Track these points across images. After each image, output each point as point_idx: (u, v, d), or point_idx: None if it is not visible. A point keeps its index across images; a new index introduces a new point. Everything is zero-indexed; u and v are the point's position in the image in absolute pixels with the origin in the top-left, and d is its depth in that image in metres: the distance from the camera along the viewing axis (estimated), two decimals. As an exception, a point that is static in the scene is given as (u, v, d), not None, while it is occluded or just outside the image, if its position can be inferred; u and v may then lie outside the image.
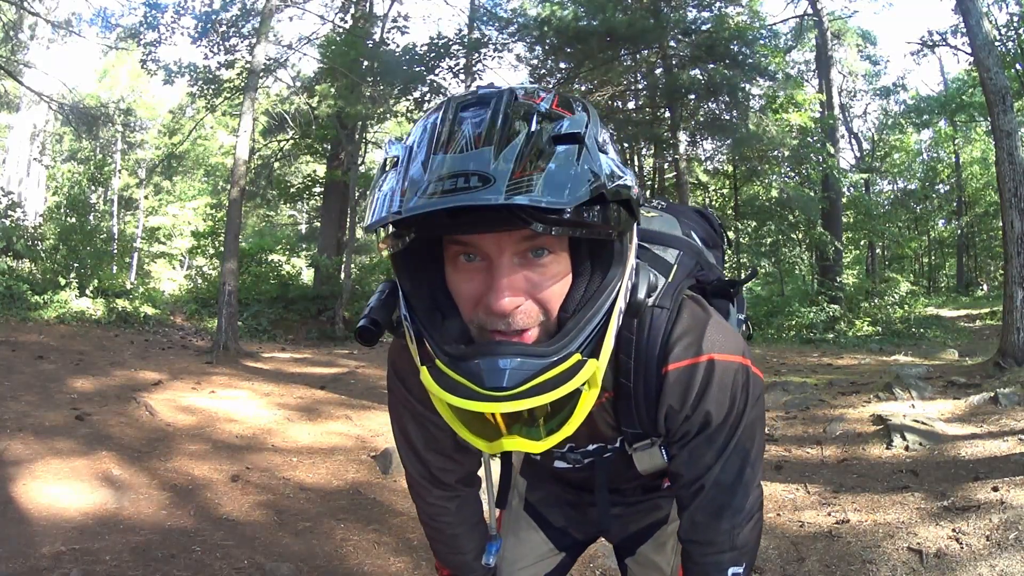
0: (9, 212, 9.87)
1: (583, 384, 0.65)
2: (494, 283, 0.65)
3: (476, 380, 0.62)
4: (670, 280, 0.85)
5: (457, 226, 0.63)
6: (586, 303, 0.68)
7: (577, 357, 0.65)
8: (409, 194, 0.60)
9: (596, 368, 0.65)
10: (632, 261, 0.72)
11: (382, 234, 0.68)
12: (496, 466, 0.99)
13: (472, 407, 0.63)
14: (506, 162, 0.58)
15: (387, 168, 0.66)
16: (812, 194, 12.80)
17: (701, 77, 11.95)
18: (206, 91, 11.82)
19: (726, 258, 1.22)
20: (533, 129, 0.61)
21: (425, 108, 11.76)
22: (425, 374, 0.65)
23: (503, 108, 0.63)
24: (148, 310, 9.46)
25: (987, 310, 13.44)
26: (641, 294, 0.74)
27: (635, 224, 0.71)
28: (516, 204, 0.57)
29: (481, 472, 1.06)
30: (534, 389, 0.62)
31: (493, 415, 0.68)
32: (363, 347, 9.22)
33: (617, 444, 0.94)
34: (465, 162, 0.59)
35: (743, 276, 1.21)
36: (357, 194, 12.15)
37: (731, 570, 0.89)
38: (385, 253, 0.69)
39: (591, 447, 0.95)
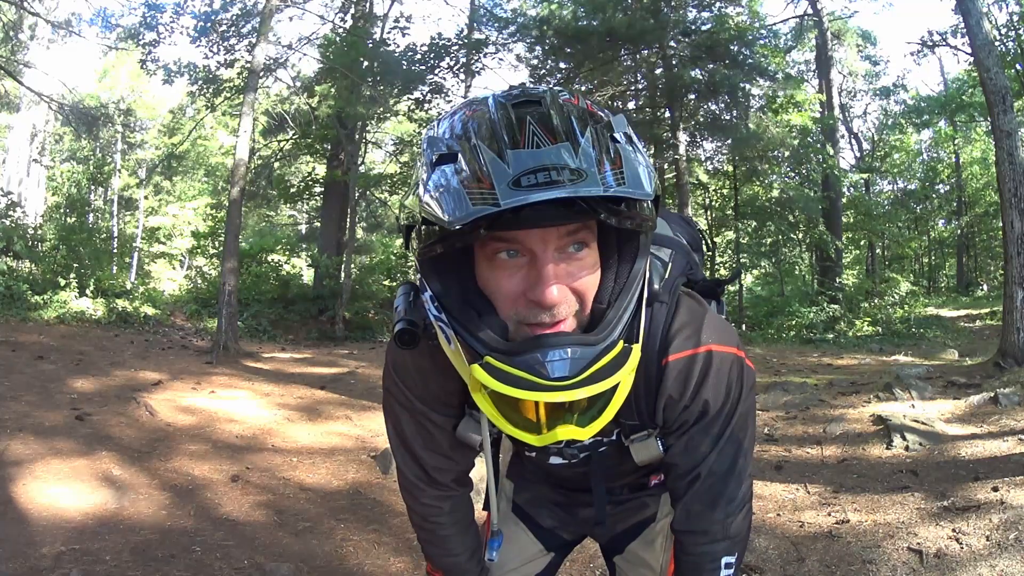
0: (9, 212, 9.87)
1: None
2: (541, 276, 0.66)
3: (538, 372, 0.64)
4: (666, 277, 0.88)
5: (519, 221, 0.63)
6: (619, 294, 0.71)
7: (622, 344, 0.68)
8: (500, 188, 0.58)
9: (639, 353, 0.70)
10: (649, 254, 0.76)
11: (420, 237, 0.67)
12: (481, 467, 1.00)
13: (539, 398, 0.64)
14: (587, 157, 0.60)
15: (435, 164, 0.64)
16: (812, 194, 12.80)
17: (701, 77, 11.94)
18: (205, 91, 11.82)
19: (708, 261, 1.26)
20: (592, 127, 0.63)
21: (426, 108, 11.78)
22: (479, 371, 0.66)
23: (559, 106, 0.65)
24: (148, 310, 9.46)
25: (987, 310, 13.43)
26: (656, 285, 0.77)
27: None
28: (617, 195, 0.60)
29: (473, 473, 1.07)
30: (593, 376, 0.65)
31: (537, 409, 0.71)
32: (359, 352, 9.26)
33: (614, 437, 0.96)
34: (550, 156, 0.60)
35: (727, 277, 1.25)
36: (357, 194, 12.14)
37: (724, 559, 0.92)
38: (426, 255, 0.68)
39: (587, 441, 0.97)
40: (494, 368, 0.65)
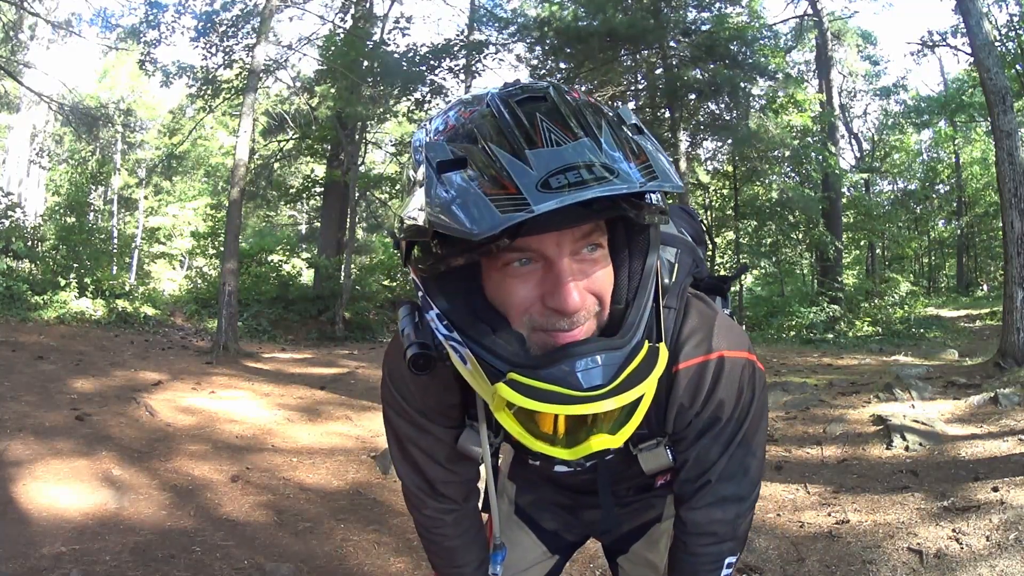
0: (9, 212, 9.86)
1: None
2: (560, 282, 0.63)
3: (569, 384, 0.61)
4: (674, 279, 0.85)
5: (538, 226, 0.58)
6: (636, 292, 0.68)
7: (648, 345, 0.66)
8: (529, 192, 0.53)
9: (667, 352, 0.67)
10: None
11: (429, 252, 0.64)
12: (483, 471, 0.98)
13: (575, 411, 0.61)
14: (612, 152, 0.57)
15: (439, 171, 0.58)
16: (812, 194, 12.81)
17: (701, 77, 11.95)
18: (205, 92, 11.82)
19: (710, 256, 1.24)
20: (605, 121, 0.60)
21: (426, 108, 11.78)
22: (506, 390, 0.62)
23: (567, 101, 0.61)
24: (148, 310, 9.46)
25: (987, 310, 13.43)
26: (666, 279, 0.75)
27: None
28: (653, 189, 0.57)
29: (480, 484, 1.04)
30: (626, 382, 0.62)
31: (556, 421, 0.68)
32: (359, 352, 9.25)
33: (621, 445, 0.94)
34: (574, 155, 0.56)
35: (731, 274, 1.23)
36: (357, 194, 12.13)
37: (728, 560, 0.91)
38: (435, 271, 0.65)
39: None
40: (520, 384, 0.61)
